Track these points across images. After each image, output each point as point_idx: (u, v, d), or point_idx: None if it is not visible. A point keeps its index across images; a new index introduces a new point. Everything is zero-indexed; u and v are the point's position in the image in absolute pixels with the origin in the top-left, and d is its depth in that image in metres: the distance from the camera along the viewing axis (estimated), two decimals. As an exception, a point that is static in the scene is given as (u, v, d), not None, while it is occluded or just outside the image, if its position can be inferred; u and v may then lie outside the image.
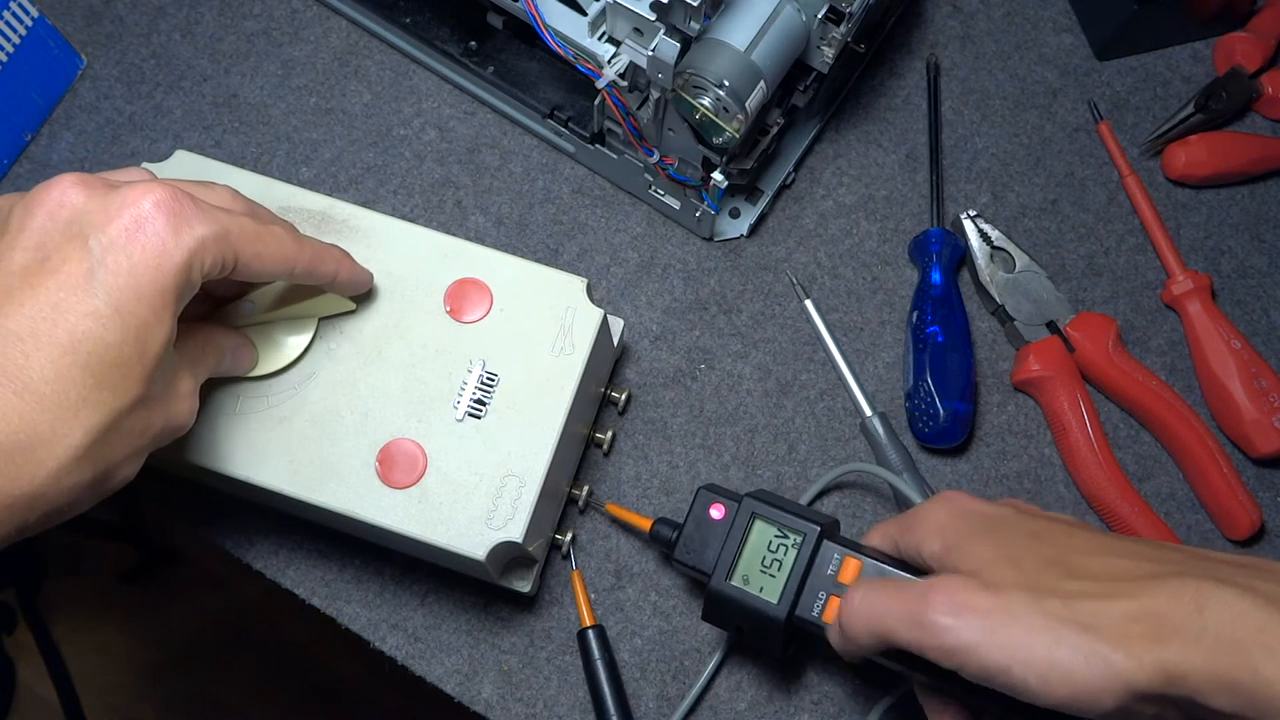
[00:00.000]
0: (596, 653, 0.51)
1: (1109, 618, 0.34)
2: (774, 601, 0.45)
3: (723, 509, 0.47)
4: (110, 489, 0.38)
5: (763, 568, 0.45)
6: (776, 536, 0.45)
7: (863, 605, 0.39)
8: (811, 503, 0.54)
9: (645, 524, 0.50)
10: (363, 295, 0.48)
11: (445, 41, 0.60)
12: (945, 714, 0.42)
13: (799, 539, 0.45)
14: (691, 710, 0.51)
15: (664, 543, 0.49)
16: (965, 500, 0.42)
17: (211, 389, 0.46)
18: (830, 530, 0.46)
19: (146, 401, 0.37)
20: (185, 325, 0.40)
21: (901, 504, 0.54)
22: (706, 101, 0.48)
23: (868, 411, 0.56)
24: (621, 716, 0.50)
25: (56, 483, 0.35)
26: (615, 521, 0.54)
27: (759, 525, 0.46)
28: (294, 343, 0.47)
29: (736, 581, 0.45)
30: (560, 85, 0.59)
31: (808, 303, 0.58)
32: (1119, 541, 0.38)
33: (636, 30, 0.47)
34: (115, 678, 1.26)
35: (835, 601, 0.44)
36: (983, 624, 0.35)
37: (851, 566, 0.44)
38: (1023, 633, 0.35)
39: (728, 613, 0.46)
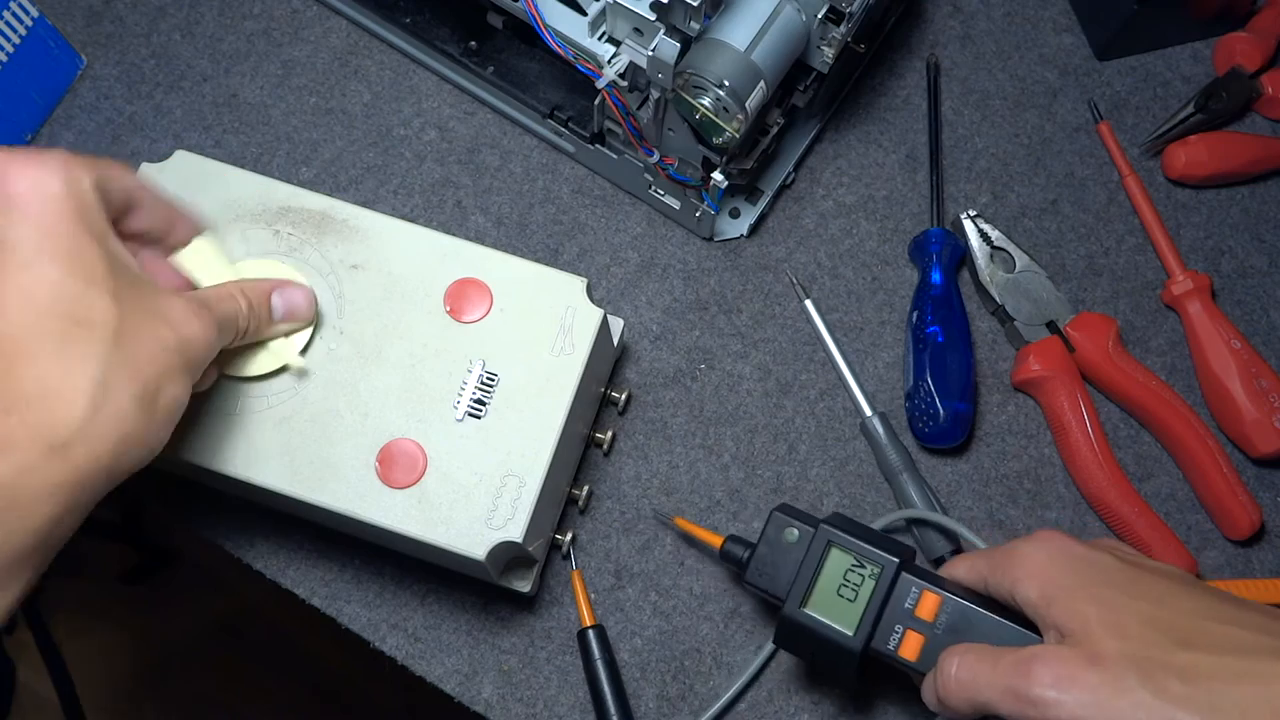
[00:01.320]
0: (596, 653, 0.51)
1: (1232, 701, 0.33)
2: (849, 633, 0.44)
3: (797, 533, 0.46)
4: (166, 410, 0.37)
5: (838, 597, 0.44)
6: (853, 566, 0.44)
7: (961, 675, 0.38)
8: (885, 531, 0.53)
9: (716, 541, 0.49)
10: (362, 295, 0.48)
11: (445, 41, 0.60)
12: None
13: (877, 570, 0.44)
14: None
15: (734, 562, 0.48)
16: (1063, 541, 0.41)
17: (211, 389, 0.46)
18: (909, 561, 0.45)
19: (131, 318, 0.37)
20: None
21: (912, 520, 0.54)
22: (706, 101, 0.48)
23: (868, 411, 0.56)
24: (621, 716, 0.50)
25: (94, 417, 0.35)
26: (685, 537, 0.53)
27: (835, 553, 0.45)
28: (293, 342, 0.47)
29: (810, 609, 0.44)
30: (560, 85, 0.59)
31: (808, 303, 0.58)
32: (1233, 608, 0.37)
33: (636, 30, 0.47)
34: (115, 678, 1.26)
35: (912, 636, 0.43)
36: (1090, 699, 0.34)
37: (930, 601, 0.43)
38: (1133, 709, 0.34)
39: (800, 640, 0.45)
